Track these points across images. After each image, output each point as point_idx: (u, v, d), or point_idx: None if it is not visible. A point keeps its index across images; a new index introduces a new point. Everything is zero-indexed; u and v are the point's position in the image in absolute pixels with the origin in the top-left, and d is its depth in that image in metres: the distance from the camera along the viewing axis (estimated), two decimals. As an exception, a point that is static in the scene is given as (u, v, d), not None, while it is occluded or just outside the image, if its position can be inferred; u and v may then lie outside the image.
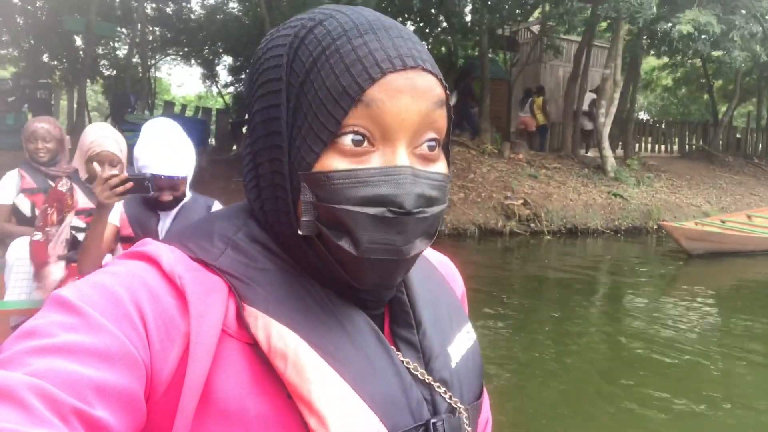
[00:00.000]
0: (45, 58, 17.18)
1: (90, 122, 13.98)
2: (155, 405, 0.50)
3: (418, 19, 13.45)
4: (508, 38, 16.21)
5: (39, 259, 2.26)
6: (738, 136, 18.75)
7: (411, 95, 0.53)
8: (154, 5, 17.66)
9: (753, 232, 9.30)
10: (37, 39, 16.22)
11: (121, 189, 1.95)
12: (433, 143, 0.55)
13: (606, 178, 12.06)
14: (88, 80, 15.03)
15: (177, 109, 17.01)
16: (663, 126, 18.56)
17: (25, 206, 2.99)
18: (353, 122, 0.52)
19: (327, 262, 0.55)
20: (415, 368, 0.59)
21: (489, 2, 11.70)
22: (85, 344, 0.45)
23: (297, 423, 0.51)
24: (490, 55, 14.78)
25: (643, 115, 28.39)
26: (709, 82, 18.42)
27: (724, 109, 18.31)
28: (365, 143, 0.52)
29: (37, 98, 13.12)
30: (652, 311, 6.04)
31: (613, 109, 12.35)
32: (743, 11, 11.54)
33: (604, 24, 13.55)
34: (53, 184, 2.49)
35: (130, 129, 8.79)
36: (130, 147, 2.40)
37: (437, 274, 0.73)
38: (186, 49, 19.44)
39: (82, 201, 2.65)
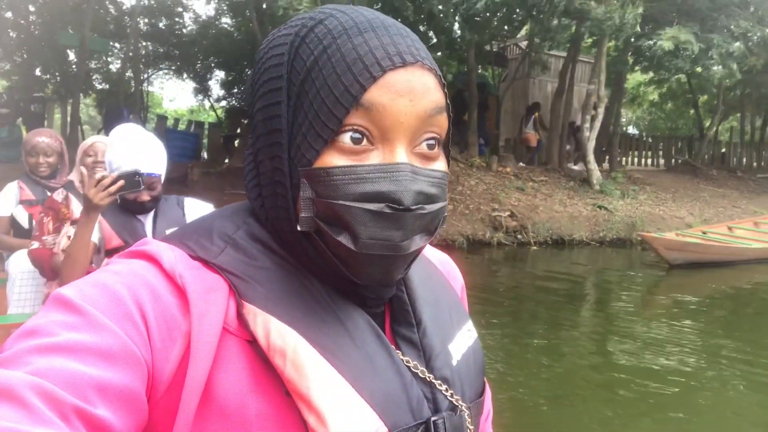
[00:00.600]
0: (38, 71, 17.30)
1: (83, 136, 14.10)
2: (156, 404, 0.50)
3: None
4: (496, 54, 16.52)
5: (44, 261, 2.24)
6: (723, 150, 19.15)
7: (411, 95, 0.53)
8: (147, 20, 17.86)
9: (733, 243, 9.54)
10: (30, 53, 16.35)
11: (114, 188, 1.95)
12: (432, 142, 0.56)
13: (591, 191, 12.30)
14: (80, 94, 15.15)
15: (170, 122, 17.16)
16: (649, 140, 18.93)
17: (23, 218, 3.02)
18: (353, 121, 0.52)
19: (326, 258, 0.55)
20: (416, 366, 0.59)
21: (476, 19, 11.97)
22: (87, 343, 0.45)
23: (296, 421, 0.51)
24: (479, 71, 15.08)
25: (632, 130, 28.87)
26: (694, 98, 18.80)
27: (707, 124, 18.69)
28: (364, 141, 0.53)
29: (31, 111, 13.22)
30: (634, 319, 6.21)
31: (598, 124, 12.62)
32: (725, 30, 11.91)
33: (589, 40, 13.87)
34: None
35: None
36: None
37: (437, 272, 0.73)
38: (178, 64, 19.62)
39: (78, 211, 2.66)
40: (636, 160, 17.92)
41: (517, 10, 11.83)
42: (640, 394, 4.13)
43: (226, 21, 18.90)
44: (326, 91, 0.52)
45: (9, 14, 15.68)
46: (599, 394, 4.23)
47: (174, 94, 64.33)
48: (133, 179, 2.05)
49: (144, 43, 18.06)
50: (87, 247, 2.00)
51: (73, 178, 2.78)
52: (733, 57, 11.74)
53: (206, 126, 17.12)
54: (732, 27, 12.15)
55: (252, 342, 0.53)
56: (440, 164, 0.57)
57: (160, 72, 20.66)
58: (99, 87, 18.95)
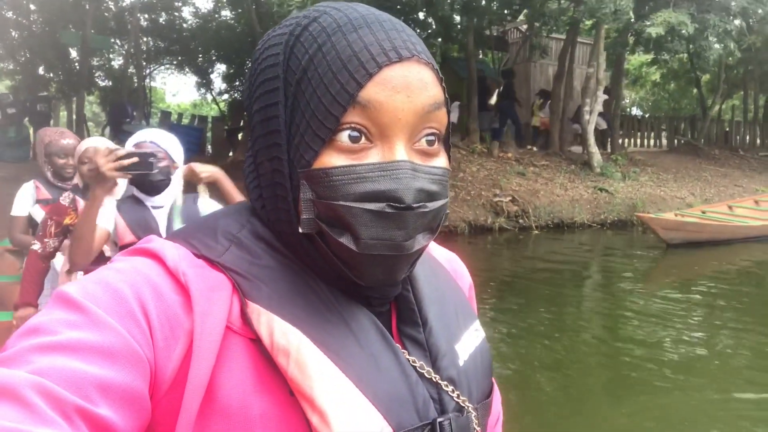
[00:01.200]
0: (41, 70, 17.46)
1: (88, 133, 14.27)
2: (159, 402, 0.50)
3: (410, 22, 13.77)
4: (496, 38, 16.49)
5: (31, 268, 2.29)
6: (726, 129, 19.11)
7: (408, 90, 0.52)
8: (147, 16, 17.95)
9: (732, 221, 9.62)
10: (33, 52, 16.50)
11: (127, 162, 1.89)
12: (432, 138, 0.55)
13: (592, 173, 12.39)
14: (84, 92, 15.32)
15: (173, 117, 17.30)
16: (652, 121, 18.90)
17: (40, 217, 3.01)
18: (351, 119, 0.52)
19: (329, 259, 0.55)
20: (422, 366, 0.58)
21: (474, 3, 12.01)
22: (89, 342, 0.45)
23: (299, 420, 0.51)
24: (481, 57, 15.10)
25: (636, 111, 28.78)
26: (697, 77, 18.74)
27: (709, 102, 18.65)
28: (363, 140, 0.53)
29: (38, 111, 13.38)
30: (630, 297, 6.36)
31: (598, 107, 12.68)
32: (722, 9, 11.89)
33: (588, 22, 13.87)
34: None
35: (128, 138, 9.07)
36: None
37: (444, 271, 0.72)
38: (180, 58, 19.72)
39: None
40: (638, 141, 17.92)
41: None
42: (643, 365, 4.29)
43: (225, 14, 18.95)
44: (322, 90, 0.52)
45: (11, 14, 15.81)
46: (603, 365, 4.39)
47: (176, 88, 64.43)
48: (147, 159, 1.99)
49: (145, 39, 18.17)
50: (93, 225, 1.96)
51: (77, 180, 2.80)
52: (731, 35, 11.75)
53: (209, 120, 17.25)
54: (732, 4, 12.14)
55: (256, 341, 0.53)
56: (441, 161, 0.56)
57: (162, 67, 20.79)
58: (102, 84, 19.12)
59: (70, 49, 16.60)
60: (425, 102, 0.53)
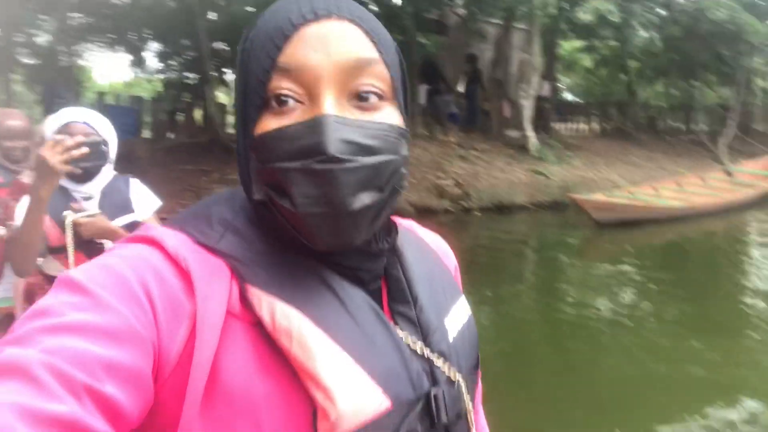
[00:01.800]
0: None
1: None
2: (163, 384, 0.51)
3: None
4: (436, 22, 16.71)
5: None
6: (652, 114, 20.21)
7: (326, 47, 0.53)
8: (76, -9, 17.06)
9: (657, 202, 10.32)
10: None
11: (77, 153, 1.67)
12: (367, 93, 0.55)
13: (529, 157, 12.90)
14: (8, 71, 14.49)
15: (109, 98, 16.64)
16: (585, 106, 19.73)
17: None
18: (277, 85, 0.54)
19: (283, 226, 0.56)
20: (414, 342, 0.60)
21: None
22: (94, 323, 0.47)
23: (302, 399, 0.53)
24: (423, 41, 15.30)
25: (569, 96, 29.81)
26: (625, 63, 19.65)
27: (637, 88, 19.64)
28: (291, 102, 0.54)
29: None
30: (569, 270, 6.79)
31: (533, 92, 13.17)
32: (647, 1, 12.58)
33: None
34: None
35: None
36: None
37: (430, 250, 0.74)
38: (112, 36, 18.89)
39: None
40: (572, 125, 18.69)
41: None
42: (584, 335, 4.66)
43: (159, -9, 18.25)
44: (254, 62, 0.55)
45: None
46: (546, 341, 4.73)
47: (107, 67, 61.42)
48: (99, 149, 1.84)
49: (73, 15, 17.29)
50: (40, 229, 1.72)
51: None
52: (654, 25, 12.46)
53: (146, 100, 16.69)
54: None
55: (255, 325, 0.54)
56: (384, 116, 0.56)
57: (92, 44, 19.84)
58: (27, 62, 18.08)
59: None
60: (348, 58, 0.54)
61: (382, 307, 0.61)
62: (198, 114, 13.73)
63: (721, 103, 20.36)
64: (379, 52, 0.56)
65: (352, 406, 0.52)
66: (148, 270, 0.53)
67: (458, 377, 0.62)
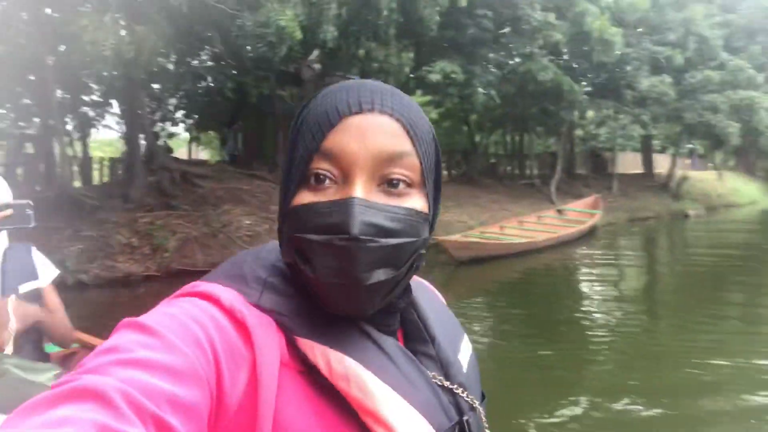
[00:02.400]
0: None
1: None
2: (226, 427, 0.54)
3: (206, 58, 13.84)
4: (293, 75, 17.28)
5: None
6: (493, 161, 22.40)
7: (364, 137, 0.58)
8: None
9: (504, 239, 11.53)
10: None
11: (1, 215, 1.66)
12: (396, 181, 0.60)
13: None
14: None
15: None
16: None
17: None
18: (317, 165, 0.59)
19: (305, 288, 0.61)
20: (435, 377, 0.66)
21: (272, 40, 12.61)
22: (160, 361, 0.49)
23: None
24: (281, 92, 15.71)
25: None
26: (466, 116, 21.66)
27: (478, 138, 21.72)
28: (327, 182, 0.59)
29: None
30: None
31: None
32: (484, 62, 14.25)
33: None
34: None
35: None
36: None
37: (432, 293, 0.81)
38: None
39: None
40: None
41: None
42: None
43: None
44: (301, 143, 0.61)
45: None
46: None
47: None
48: (23, 212, 1.72)
49: None
50: None
51: None
52: (492, 84, 14.14)
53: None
54: (490, 56, 14.63)
55: (303, 372, 0.59)
56: (409, 202, 0.60)
57: None
58: None
59: None
60: (383, 148, 0.59)
61: None
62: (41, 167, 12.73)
63: (549, 150, 23.19)
64: (413, 144, 0.61)
65: None
66: (208, 319, 0.56)
67: (476, 405, 0.69)
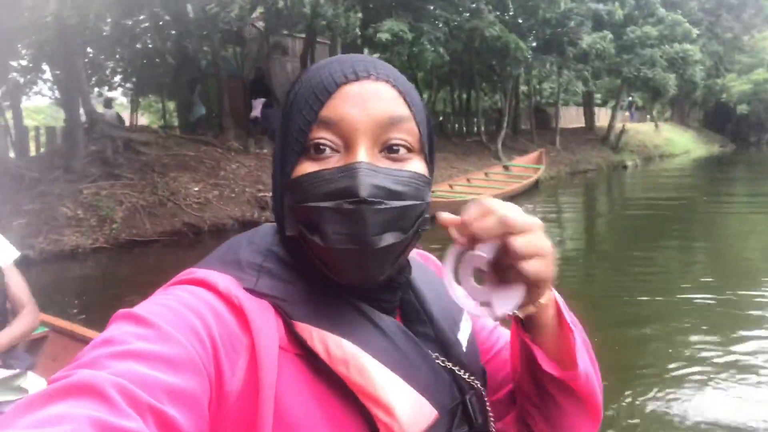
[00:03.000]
0: None
1: None
2: (227, 413, 0.54)
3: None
4: (235, 33, 16.73)
5: None
6: (440, 118, 22.54)
7: (363, 103, 0.58)
8: None
9: (453, 197, 11.79)
10: None
11: None
12: (397, 146, 0.60)
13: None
14: None
15: None
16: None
17: None
18: (317, 135, 0.58)
19: (312, 261, 0.60)
20: (436, 357, 0.66)
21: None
22: (157, 352, 0.49)
23: (359, 420, 0.58)
24: (223, 53, 15.25)
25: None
26: (414, 74, 21.62)
27: (426, 96, 21.79)
28: (327, 151, 0.59)
29: None
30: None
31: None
32: (432, 19, 14.21)
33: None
34: None
35: None
36: None
37: (430, 271, 0.78)
38: None
39: None
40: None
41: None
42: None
43: None
44: (297, 113, 0.60)
45: None
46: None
47: None
48: None
49: None
50: None
51: None
52: (440, 42, 14.16)
53: None
54: (437, 13, 14.60)
55: (301, 356, 0.59)
56: (410, 166, 0.61)
57: None
58: None
59: None
60: (381, 114, 0.59)
61: None
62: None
63: (495, 107, 23.50)
64: (410, 110, 0.62)
65: (410, 420, 0.58)
66: (205, 307, 0.56)
67: (476, 383, 0.69)
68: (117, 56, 14.75)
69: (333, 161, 0.59)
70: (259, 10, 15.52)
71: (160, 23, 13.18)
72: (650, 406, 3.63)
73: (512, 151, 18.82)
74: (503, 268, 0.60)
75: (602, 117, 28.05)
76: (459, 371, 0.67)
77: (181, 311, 0.54)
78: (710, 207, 12.24)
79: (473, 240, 0.60)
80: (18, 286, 2.06)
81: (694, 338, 4.76)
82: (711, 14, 27.68)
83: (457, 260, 0.62)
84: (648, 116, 33.48)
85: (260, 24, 17.11)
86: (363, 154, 0.58)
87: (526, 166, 15.97)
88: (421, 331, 0.68)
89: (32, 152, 12.92)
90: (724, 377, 3.96)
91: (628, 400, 3.69)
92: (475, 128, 21.04)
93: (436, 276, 0.79)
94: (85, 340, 2.60)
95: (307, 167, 0.59)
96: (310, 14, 11.16)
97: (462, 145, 19.09)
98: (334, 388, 0.59)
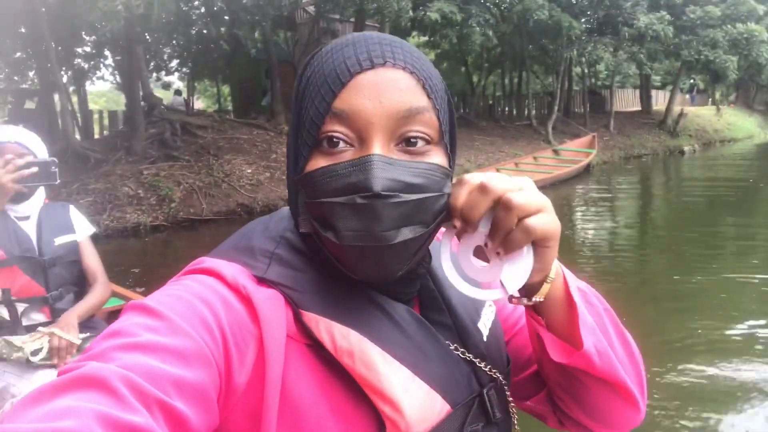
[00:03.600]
0: None
1: None
2: (235, 405, 0.54)
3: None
4: (287, 18, 16.97)
5: None
6: (490, 102, 22.33)
7: (378, 95, 0.55)
8: None
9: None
10: None
11: (27, 172, 1.77)
12: (415, 139, 0.56)
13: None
14: None
15: None
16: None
17: None
18: (330, 128, 0.56)
19: (327, 257, 0.58)
20: (455, 348, 0.63)
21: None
22: (166, 344, 0.49)
23: (367, 413, 0.57)
24: (274, 38, 15.56)
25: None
26: (464, 57, 21.43)
27: (476, 79, 21.59)
28: (341, 144, 0.56)
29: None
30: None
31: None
32: (482, 1, 14.09)
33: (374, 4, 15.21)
34: None
35: None
36: None
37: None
38: None
39: None
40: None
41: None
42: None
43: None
44: (310, 104, 0.57)
45: None
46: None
47: None
48: (49, 169, 1.84)
49: None
50: None
51: None
52: (489, 24, 14.04)
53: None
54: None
55: (310, 346, 0.57)
56: (429, 158, 0.57)
57: None
58: None
59: None
60: (398, 106, 0.55)
61: None
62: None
63: (547, 90, 23.06)
64: (430, 99, 0.58)
65: (418, 415, 0.56)
66: (214, 297, 0.55)
67: (498, 375, 0.66)
68: (174, 42, 15.26)
69: (347, 155, 0.56)
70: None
71: (215, 9, 13.54)
72: (692, 378, 3.68)
73: (564, 135, 18.48)
74: (504, 243, 0.57)
75: (661, 100, 27.10)
76: (478, 362, 0.65)
77: (191, 302, 0.54)
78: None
79: (465, 222, 0.58)
80: (92, 259, 2.22)
81: (745, 315, 4.75)
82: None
83: (453, 246, 0.61)
84: (710, 99, 32.12)
85: (311, 9, 17.37)
86: (378, 148, 0.55)
87: (578, 150, 15.67)
88: (438, 319, 0.65)
89: (96, 134, 13.63)
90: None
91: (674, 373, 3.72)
92: (526, 112, 20.75)
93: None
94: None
95: (320, 161, 0.57)
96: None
97: (511, 129, 18.89)
98: (341, 379, 0.57)
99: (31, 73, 13.75)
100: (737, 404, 3.42)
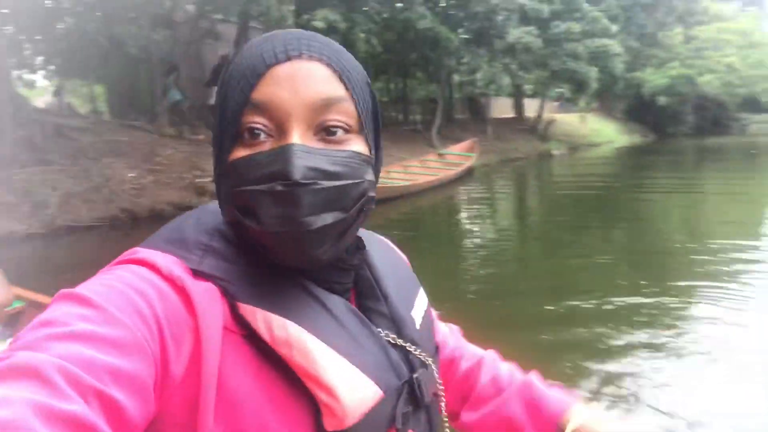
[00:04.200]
0: None
1: None
2: (171, 396, 0.53)
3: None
4: (164, 17, 16.25)
5: None
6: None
7: (294, 85, 0.57)
8: None
9: (389, 183, 12.18)
10: None
11: None
12: (334, 128, 0.58)
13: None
14: None
15: None
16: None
17: None
18: (249, 119, 0.57)
19: (254, 245, 0.59)
20: (387, 335, 0.66)
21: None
22: (100, 333, 0.48)
23: (304, 401, 0.58)
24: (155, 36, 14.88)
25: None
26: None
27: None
28: (262, 136, 0.57)
29: None
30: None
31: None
32: (364, 9, 14.48)
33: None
34: None
35: None
36: None
37: (388, 248, 0.80)
38: None
39: None
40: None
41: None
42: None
43: None
44: (230, 98, 0.59)
45: None
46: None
47: None
48: None
49: None
50: None
51: None
52: (373, 32, 14.50)
53: None
54: (371, 3, 14.92)
55: (246, 337, 0.58)
56: (349, 146, 0.59)
57: None
58: None
59: None
60: (315, 95, 0.57)
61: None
62: None
63: (430, 96, 24.03)
64: (348, 89, 0.59)
65: (353, 401, 0.58)
66: (149, 288, 0.55)
67: (429, 361, 0.69)
68: (37, 37, 14.13)
69: (267, 145, 0.58)
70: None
71: (85, 2, 12.79)
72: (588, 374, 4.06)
73: (447, 140, 19.38)
74: None
75: (533, 107, 29.21)
76: (411, 348, 0.68)
77: (125, 291, 0.53)
78: (628, 192, 13.24)
79: None
80: None
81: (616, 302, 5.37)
82: (627, 10, 29.36)
83: None
84: (576, 107, 35.10)
85: (190, 7, 16.78)
86: (296, 138, 0.57)
87: (460, 154, 16.58)
88: (374, 308, 0.68)
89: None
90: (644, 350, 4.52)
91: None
92: (411, 117, 21.49)
93: (395, 253, 0.81)
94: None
95: (241, 152, 0.59)
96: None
97: (398, 133, 19.44)
98: (278, 369, 0.59)
99: None
100: (598, 356, 4.01)
